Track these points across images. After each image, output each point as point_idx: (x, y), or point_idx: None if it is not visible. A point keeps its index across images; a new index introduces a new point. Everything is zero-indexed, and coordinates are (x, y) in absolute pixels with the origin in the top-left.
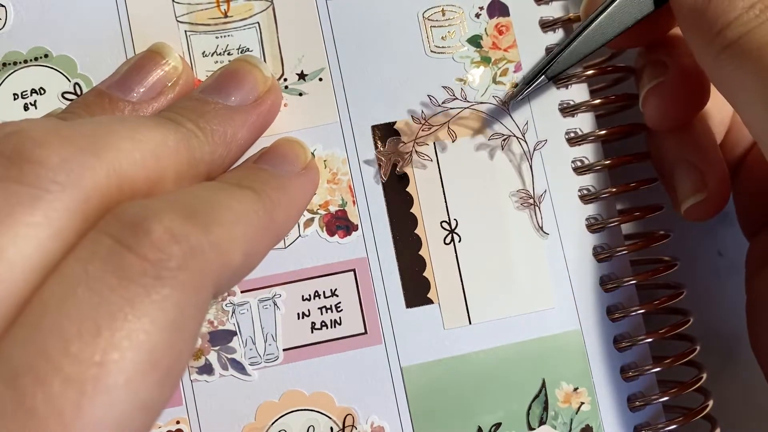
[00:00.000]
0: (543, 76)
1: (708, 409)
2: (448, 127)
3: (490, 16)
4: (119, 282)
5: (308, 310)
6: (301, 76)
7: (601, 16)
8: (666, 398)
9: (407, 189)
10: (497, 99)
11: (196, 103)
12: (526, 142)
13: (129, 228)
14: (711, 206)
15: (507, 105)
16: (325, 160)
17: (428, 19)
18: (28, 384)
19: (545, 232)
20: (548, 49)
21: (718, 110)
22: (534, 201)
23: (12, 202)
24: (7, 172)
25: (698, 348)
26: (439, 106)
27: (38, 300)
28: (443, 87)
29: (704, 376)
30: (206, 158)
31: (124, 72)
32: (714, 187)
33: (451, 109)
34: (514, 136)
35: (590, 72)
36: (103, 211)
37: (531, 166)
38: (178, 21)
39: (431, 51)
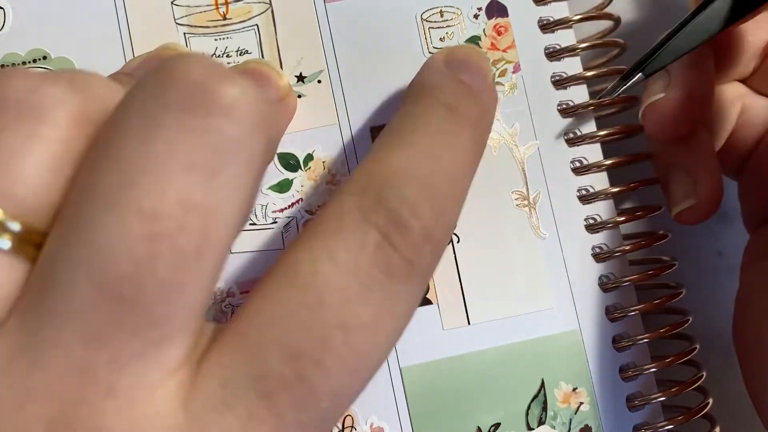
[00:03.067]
0: (640, 73)
1: (707, 408)
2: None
3: (489, 16)
4: (387, 279)
5: None
6: (300, 78)
7: (707, 9)
8: (665, 398)
9: None
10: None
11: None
12: (516, 145)
13: (395, 224)
14: (701, 212)
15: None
16: (324, 162)
17: (426, 21)
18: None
19: (544, 233)
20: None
21: (727, 106)
22: (529, 202)
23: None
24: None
25: (697, 347)
26: None
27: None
28: None
29: (703, 375)
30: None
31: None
32: (704, 194)
33: None
34: (507, 139)
35: (590, 73)
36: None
37: (524, 169)
38: (176, 23)
39: (430, 52)
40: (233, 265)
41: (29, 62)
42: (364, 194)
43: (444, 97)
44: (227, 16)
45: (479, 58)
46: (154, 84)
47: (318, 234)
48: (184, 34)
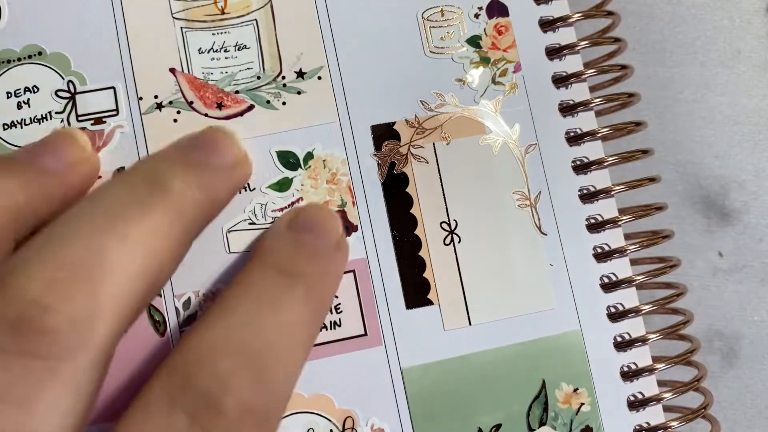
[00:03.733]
0: None
1: (708, 408)
2: (443, 130)
3: (490, 16)
4: None
5: None
6: (300, 74)
7: None
8: (666, 398)
9: (407, 190)
10: None
11: (180, 158)
12: (517, 145)
13: (204, 406)
14: None
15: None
16: (324, 161)
17: (427, 20)
18: None
19: (544, 233)
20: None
21: None
22: (530, 201)
23: (31, 380)
24: (19, 345)
25: (698, 348)
26: (431, 110)
27: None
28: (435, 93)
29: (704, 375)
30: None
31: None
32: None
33: (443, 113)
34: (508, 139)
35: (590, 71)
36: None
37: (524, 169)
38: (173, 17)
39: (430, 51)
40: (233, 265)
41: (24, 58)
42: (171, 375)
43: (274, 258)
44: (225, 11)
45: (325, 216)
46: None
47: (126, 425)
48: (181, 28)
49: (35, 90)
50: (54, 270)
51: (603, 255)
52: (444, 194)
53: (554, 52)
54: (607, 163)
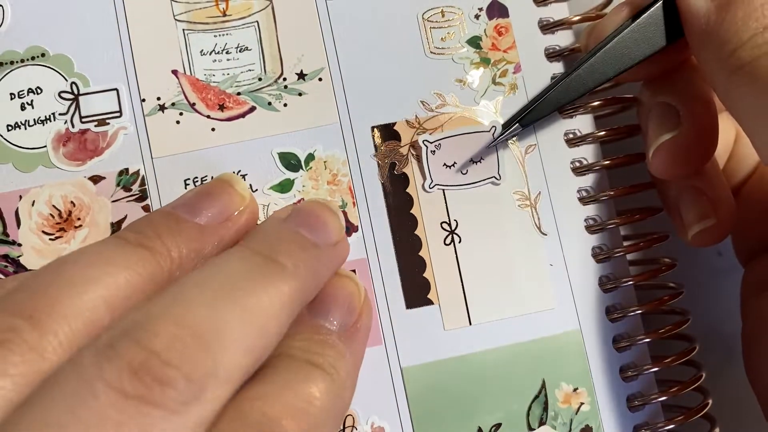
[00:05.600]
0: (517, 124)
1: (707, 408)
2: (443, 131)
3: (490, 17)
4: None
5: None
6: (301, 75)
7: (601, 52)
8: (665, 398)
9: (407, 190)
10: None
11: (289, 234)
12: (517, 145)
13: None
14: (720, 231)
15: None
16: (325, 161)
17: (428, 20)
18: None
19: (544, 233)
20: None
21: (723, 138)
22: (530, 202)
23: (144, 424)
24: (136, 390)
25: (697, 347)
26: (432, 111)
27: None
28: (435, 93)
29: (703, 375)
30: (296, 298)
31: (191, 195)
32: (723, 212)
33: (443, 113)
34: (507, 140)
35: None
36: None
37: (524, 169)
38: (176, 19)
39: (431, 52)
40: None
41: (27, 59)
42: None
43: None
44: (227, 13)
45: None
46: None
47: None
48: (183, 30)
49: (38, 91)
50: (178, 329)
51: (602, 255)
52: (444, 194)
53: (553, 54)
54: (605, 166)
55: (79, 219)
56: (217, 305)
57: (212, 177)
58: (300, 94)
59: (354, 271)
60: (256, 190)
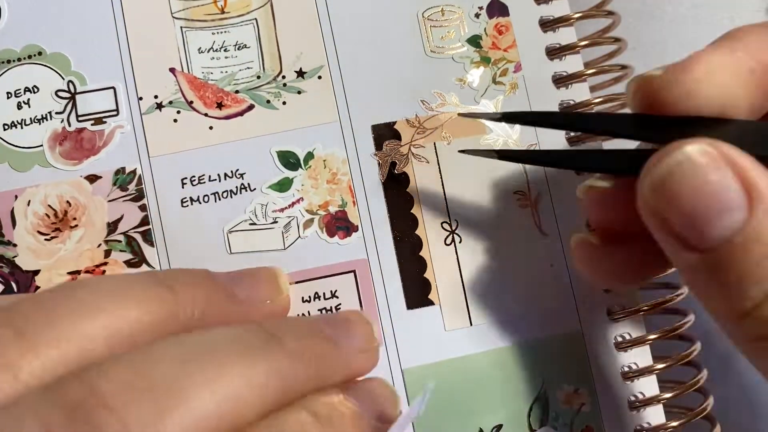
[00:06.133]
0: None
1: (708, 409)
2: (443, 130)
3: (490, 16)
4: None
5: (308, 312)
6: (300, 73)
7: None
8: (666, 398)
9: (408, 189)
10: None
11: (307, 324)
12: (518, 145)
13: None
14: None
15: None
16: (324, 160)
17: (428, 19)
18: None
19: (544, 233)
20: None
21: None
22: (530, 202)
23: None
24: (65, 429)
25: (698, 348)
26: (432, 110)
27: None
28: (435, 93)
29: (704, 376)
30: (292, 378)
31: (235, 272)
32: None
33: (444, 113)
34: (508, 138)
35: (590, 71)
36: None
37: (525, 169)
38: (173, 17)
39: (431, 51)
40: (233, 265)
41: (24, 58)
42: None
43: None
44: (225, 10)
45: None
46: None
47: None
48: (181, 27)
49: (35, 90)
50: (135, 378)
51: None
52: (445, 194)
53: (554, 52)
54: None
55: (74, 219)
56: (190, 364)
57: (210, 176)
58: (299, 92)
59: (354, 271)
60: (255, 189)
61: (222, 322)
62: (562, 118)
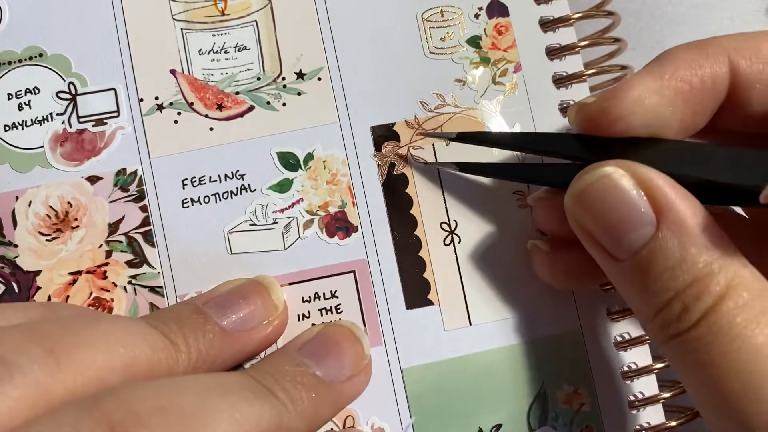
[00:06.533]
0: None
1: None
2: (443, 131)
3: (490, 16)
4: None
5: (308, 312)
6: (300, 75)
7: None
8: (666, 398)
9: (407, 190)
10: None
11: (294, 369)
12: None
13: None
14: None
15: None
16: (324, 161)
17: (427, 20)
18: None
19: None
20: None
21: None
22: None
23: None
24: None
25: None
26: (431, 111)
27: None
28: (435, 93)
29: None
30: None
31: (225, 293)
32: None
33: (443, 114)
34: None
35: (590, 71)
36: None
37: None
38: (174, 19)
39: (430, 52)
40: (233, 266)
41: (25, 59)
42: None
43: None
44: (226, 12)
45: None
46: None
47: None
48: (182, 29)
49: (36, 91)
50: (166, 402)
51: None
52: (444, 195)
53: (554, 52)
54: None
55: (76, 219)
56: (210, 396)
57: (211, 177)
58: (299, 94)
59: (354, 271)
60: (255, 189)
61: (215, 358)
62: (511, 139)
